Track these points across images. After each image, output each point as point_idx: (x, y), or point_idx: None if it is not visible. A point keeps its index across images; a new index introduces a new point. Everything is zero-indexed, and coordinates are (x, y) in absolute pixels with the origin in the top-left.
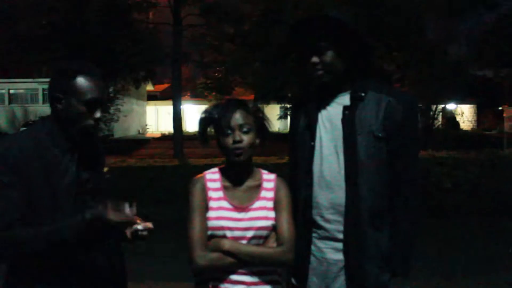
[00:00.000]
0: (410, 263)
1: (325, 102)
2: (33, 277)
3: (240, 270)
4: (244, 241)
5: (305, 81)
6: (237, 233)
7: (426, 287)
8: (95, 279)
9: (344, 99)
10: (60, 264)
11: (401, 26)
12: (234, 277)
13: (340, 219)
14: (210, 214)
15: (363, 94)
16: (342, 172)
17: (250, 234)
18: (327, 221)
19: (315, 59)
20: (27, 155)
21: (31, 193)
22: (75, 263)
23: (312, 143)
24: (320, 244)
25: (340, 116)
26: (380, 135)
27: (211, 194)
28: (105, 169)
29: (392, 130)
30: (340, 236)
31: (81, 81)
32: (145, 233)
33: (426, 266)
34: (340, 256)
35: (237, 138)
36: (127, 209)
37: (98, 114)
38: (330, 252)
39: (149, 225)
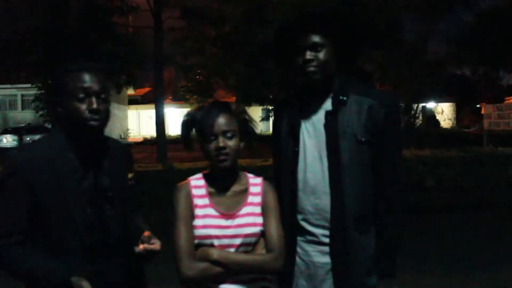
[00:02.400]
0: (397, 264)
1: (307, 106)
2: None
3: (229, 279)
4: (232, 249)
5: (289, 81)
6: (225, 241)
7: (411, 284)
8: (115, 285)
9: (326, 102)
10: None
11: (380, 26)
12: (223, 286)
13: (326, 223)
14: (197, 222)
15: (345, 98)
16: (326, 177)
17: (238, 241)
18: (313, 225)
19: (309, 55)
20: (39, 164)
21: (41, 201)
22: (94, 271)
23: (296, 149)
24: (307, 247)
25: (322, 120)
26: (363, 139)
27: (197, 201)
28: (130, 175)
29: (374, 133)
30: (326, 240)
31: (69, 76)
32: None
33: (410, 263)
34: (326, 259)
35: (221, 144)
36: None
37: (94, 105)
38: (317, 256)
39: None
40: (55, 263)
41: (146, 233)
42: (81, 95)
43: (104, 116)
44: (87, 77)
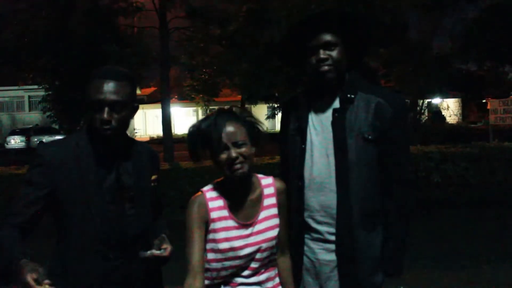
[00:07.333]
0: (403, 263)
1: (315, 104)
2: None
3: (244, 273)
4: (258, 255)
5: (295, 79)
6: (248, 250)
7: (417, 280)
8: (131, 282)
9: (335, 100)
10: (97, 268)
11: (385, 23)
12: (239, 279)
13: (331, 221)
14: (218, 235)
15: (352, 96)
16: (333, 174)
17: (260, 247)
18: (319, 223)
19: (323, 54)
20: (64, 159)
21: (61, 194)
22: (110, 267)
23: (303, 146)
24: (313, 245)
25: (330, 118)
26: (370, 137)
27: (214, 214)
28: (153, 177)
29: (382, 131)
30: (331, 237)
31: (91, 85)
32: (160, 252)
33: (416, 260)
34: (331, 257)
35: (233, 155)
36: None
37: (104, 116)
38: (323, 253)
39: (159, 252)
40: (15, 245)
41: (160, 238)
42: (96, 107)
43: (117, 126)
44: (104, 87)
